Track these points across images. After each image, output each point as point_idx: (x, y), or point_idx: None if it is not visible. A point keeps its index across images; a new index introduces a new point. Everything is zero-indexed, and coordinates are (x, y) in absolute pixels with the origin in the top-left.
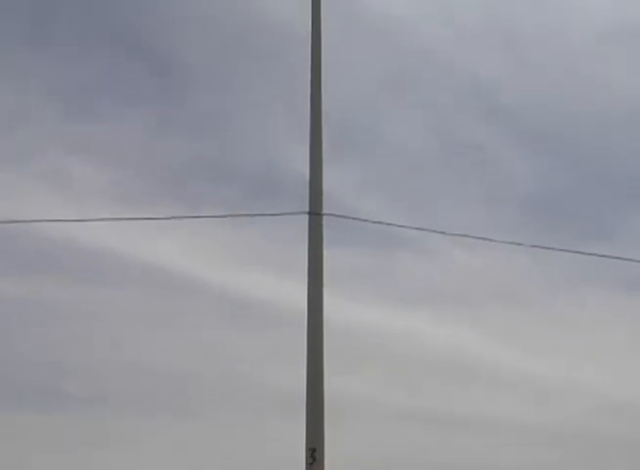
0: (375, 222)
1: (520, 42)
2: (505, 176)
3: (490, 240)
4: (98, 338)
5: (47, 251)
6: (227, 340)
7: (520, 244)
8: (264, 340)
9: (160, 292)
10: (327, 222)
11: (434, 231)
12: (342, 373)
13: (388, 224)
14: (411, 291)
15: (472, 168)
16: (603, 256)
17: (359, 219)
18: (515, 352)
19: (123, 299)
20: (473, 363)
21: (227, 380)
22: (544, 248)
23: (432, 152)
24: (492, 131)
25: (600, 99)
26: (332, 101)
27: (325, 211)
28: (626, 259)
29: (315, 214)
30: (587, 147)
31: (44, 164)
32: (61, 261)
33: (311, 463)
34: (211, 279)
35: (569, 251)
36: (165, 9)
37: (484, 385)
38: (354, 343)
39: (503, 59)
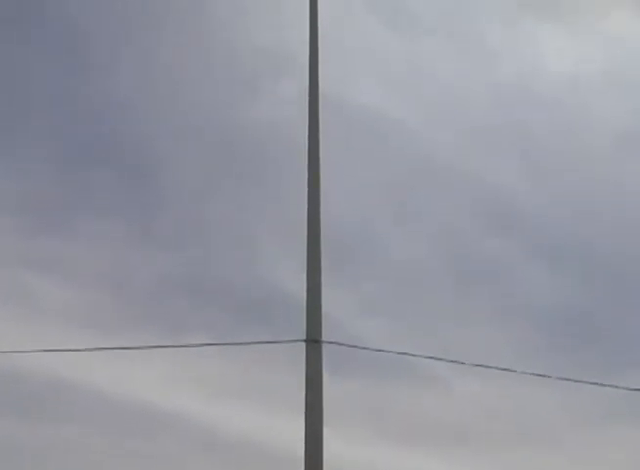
0: (379, 350)
1: (532, 145)
2: (521, 293)
3: (510, 371)
4: None
5: (5, 383)
6: None
7: (544, 376)
8: None
9: (137, 429)
10: (325, 349)
11: (446, 360)
12: None
13: (394, 353)
14: (420, 426)
15: (483, 285)
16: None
17: (362, 347)
18: None
19: (92, 437)
20: None
21: None
22: (571, 380)
23: (438, 268)
24: (504, 243)
25: (621, 205)
26: (329, 213)
27: (323, 336)
28: None
29: (313, 342)
30: (611, 258)
31: (3, 284)
32: (20, 395)
33: None
34: (196, 414)
35: (600, 384)
36: (141, 113)
37: None
38: None
39: (514, 163)
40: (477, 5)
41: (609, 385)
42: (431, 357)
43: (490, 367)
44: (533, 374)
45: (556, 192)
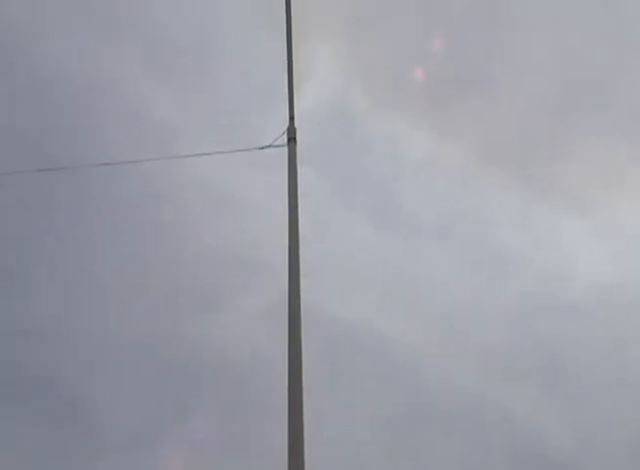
0: None
1: (562, 368)
2: None
3: None
4: None
5: None
6: None
7: None
8: None
9: None
10: None
11: None
12: None
13: None
14: None
15: None
16: None
17: None
18: None
19: None
20: None
21: None
22: None
23: None
24: None
25: None
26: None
27: None
28: None
29: None
30: None
31: None
32: None
33: None
34: None
35: None
36: (70, 340)
37: None
38: None
39: (543, 393)
40: (483, 203)
41: None
42: None
43: None
44: None
45: (599, 429)
